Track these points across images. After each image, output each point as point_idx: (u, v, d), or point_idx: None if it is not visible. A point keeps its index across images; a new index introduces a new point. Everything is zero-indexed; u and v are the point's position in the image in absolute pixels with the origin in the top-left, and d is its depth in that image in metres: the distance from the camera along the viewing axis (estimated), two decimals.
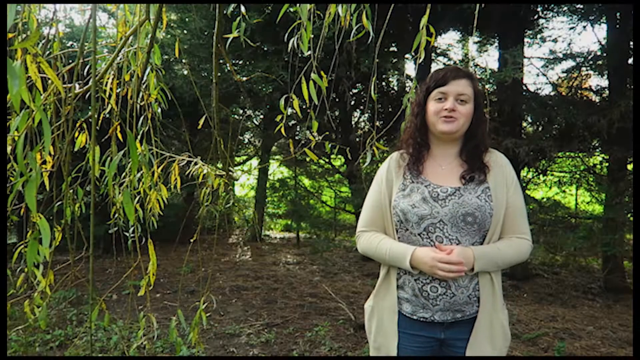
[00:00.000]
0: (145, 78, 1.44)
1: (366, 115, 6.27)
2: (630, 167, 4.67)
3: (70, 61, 1.59)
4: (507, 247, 1.32)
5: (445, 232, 1.30)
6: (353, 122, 6.28)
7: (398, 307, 1.38)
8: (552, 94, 5.30)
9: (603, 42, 4.96)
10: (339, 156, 7.02)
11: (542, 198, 5.59)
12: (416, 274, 1.33)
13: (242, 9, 1.41)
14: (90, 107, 1.06)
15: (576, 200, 7.14)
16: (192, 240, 1.73)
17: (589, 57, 4.87)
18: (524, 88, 5.19)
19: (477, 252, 1.27)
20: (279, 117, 1.50)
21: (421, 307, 1.34)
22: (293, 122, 5.94)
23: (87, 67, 1.45)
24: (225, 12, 2.81)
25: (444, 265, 1.22)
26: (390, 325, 1.38)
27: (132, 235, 1.57)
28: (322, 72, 1.29)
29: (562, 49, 7.32)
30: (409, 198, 1.34)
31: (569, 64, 5.15)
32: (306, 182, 8.72)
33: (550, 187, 5.84)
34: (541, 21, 5.63)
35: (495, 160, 1.39)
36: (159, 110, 1.59)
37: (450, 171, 1.39)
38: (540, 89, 5.61)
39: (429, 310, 1.33)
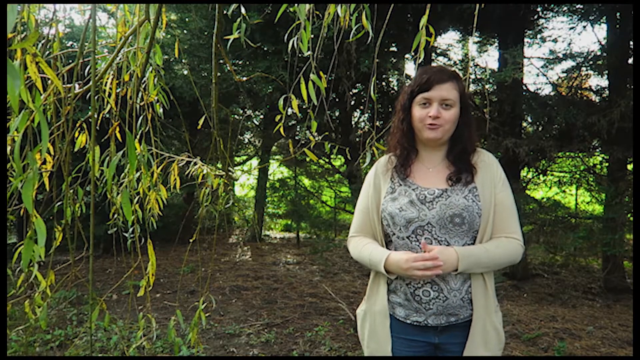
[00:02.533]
0: (144, 78, 1.44)
1: (366, 115, 6.26)
2: (630, 167, 4.67)
3: (70, 61, 1.59)
4: (494, 247, 1.29)
5: (434, 234, 1.29)
6: (353, 122, 6.27)
7: (391, 311, 1.37)
8: (552, 94, 5.29)
9: (603, 42, 4.95)
10: (339, 156, 7.01)
11: (542, 198, 5.58)
12: (394, 278, 1.33)
13: (243, 9, 1.41)
14: (90, 107, 1.06)
15: (576, 200, 7.14)
16: (191, 240, 1.73)
17: (589, 57, 4.87)
18: (524, 88, 5.19)
19: (461, 251, 1.25)
20: (278, 117, 1.50)
21: (414, 311, 1.33)
22: (293, 122, 5.93)
23: (87, 67, 1.45)
24: (225, 12, 2.81)
25: (419, 264, 1.21)
26: (383, 330, 1.36)
27: (131, 235, 1.57)
28: (321, 73, 1.29)
29: (562, 49, 7.32)
30: (397, 201, 1.34)
31: (568, 64, 5.14)
32: (306, 182, 8.73)
33: (550, 187, 5.83)
34: (541, 21, 5.62)
35: (482, 160, 1.38)
36: (161, 110, 1.60)
37: (437, 173, 1.38)
38: (540, 89, 5.61)
39: (422, 314, 1.31)
